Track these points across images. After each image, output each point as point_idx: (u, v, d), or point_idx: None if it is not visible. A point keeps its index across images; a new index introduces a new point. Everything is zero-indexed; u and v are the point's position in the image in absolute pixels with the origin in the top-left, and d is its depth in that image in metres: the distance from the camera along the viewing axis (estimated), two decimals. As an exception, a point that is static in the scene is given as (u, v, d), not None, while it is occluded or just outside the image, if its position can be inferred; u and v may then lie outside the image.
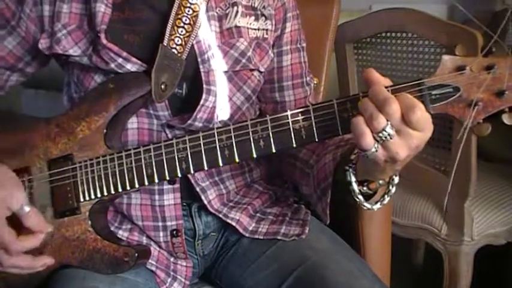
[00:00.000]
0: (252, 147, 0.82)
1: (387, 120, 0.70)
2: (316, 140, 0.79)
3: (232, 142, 0.82)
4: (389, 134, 0.70)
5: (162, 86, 0.89)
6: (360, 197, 0.81)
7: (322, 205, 0.94)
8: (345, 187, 0.82)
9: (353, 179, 0.81)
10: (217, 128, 0.83)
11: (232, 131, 0.82)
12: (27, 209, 0.85)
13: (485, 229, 1.54)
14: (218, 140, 0.83)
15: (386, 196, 0.81)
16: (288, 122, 0.79)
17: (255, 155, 0.82)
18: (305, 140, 0.79)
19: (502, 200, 1.59)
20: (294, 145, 0.80)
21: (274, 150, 0.81)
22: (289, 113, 0.80)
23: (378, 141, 0.71)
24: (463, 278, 1.56)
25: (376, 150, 0.72)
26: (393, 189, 0.79)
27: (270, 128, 0.80)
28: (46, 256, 0.89)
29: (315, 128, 0.78)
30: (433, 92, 0.73)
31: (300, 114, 0.79)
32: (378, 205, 0.82)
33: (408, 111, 0.69)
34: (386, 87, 0.73)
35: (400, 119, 0.70)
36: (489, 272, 1.87)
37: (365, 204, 0.82)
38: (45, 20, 0.96)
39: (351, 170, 0.81)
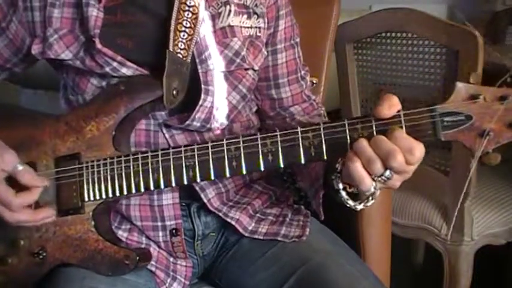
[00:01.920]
0: (260, 160, 0.82)
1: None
2: (325, 157, 0.79)
3: (240, 154, 0.82)
4: (388, 177, 0.74)
5: (174, 92, 0.90)
6: (350, 201, 0.82)
7: (316, 203, 0.95)
8: (334, 191, 0.83)
9: (340, 186, 0.82)
10: (226, 139, 0.83)
11: (241, 143, 0.82)
12: (20, 167, 0.87)
13: (485, 229, 1.54)
14: (227, 150, 0.83)
15: (370, 199, 0.81)
16: (298, 138, 0.80)
17: (262, 168, 0.82)
18: (314, 157, 0.80)
19: (502, 200, 1.59)
20: (303, 161, 0.80)
21: (282, 165, 0.81)
22: (299, 129, 0.80)
23: (375, 181, 0.74)
24: (463, 278, 1.56)
25: (375, 188, 0.75)
26: (378, 193, 0.79)
27: (279, 142, 0.81)
28: (45, 209, 0.90)
29: (324, 146, 0.79)
30: (445, 119, 0.74)
31: (310, 131, 0.79)
32: (362, 205, 0.82)
33: (407, 155, 0.72)
34: (398, 111, 0.75)
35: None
36: (489, 272, 1.87)
37: (351, 203, 0.83)
38: (36, 26, 0.96)
39: (337, 178, 0.82)
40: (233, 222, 0.99)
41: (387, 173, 0.73)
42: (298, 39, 1.10)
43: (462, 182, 1.45)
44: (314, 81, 1.17)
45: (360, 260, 0.99)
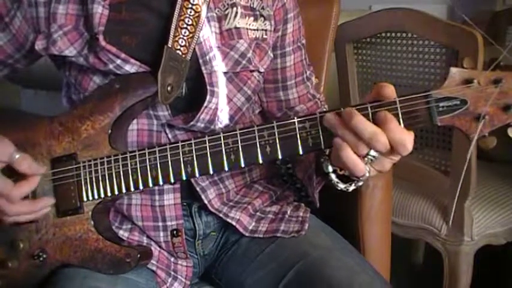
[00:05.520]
0: (258, 153, 0.82)
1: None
2: (323, 147, 0.79)
3: (238, 147, 0.82)
4: (374, 156, 0.75)
5: (169, 88, 0.89)
6: (341, 185, 0.83)
7: (311, 189, 0.96)
8: (325, 175, 0.85)
9: (330, 169, 0.83)
10: (223, 132, 0.83)
11: (238, 136, 0.82)
12: (16, 155, 0.87)
13: (485, 229, 1.54)
14: (224, 144, 0.83)
15: (361, 179, 0.82)
16: (295, 129, 0.80)
17: (260, 161, 0.82)
18: (312, 147, 0.80)
19: (502, 200, 1.59)
20: (301, 152, 0.80)
21: (280, 157, 0.81)
22: (296, 120, 0.80)
23: (366, 163, 0.76)
24: (463, 278, 1.56)
25: (369, 173, 0.77)
26: (367, 174, 0.80)
27: (276, 134, 0.81)
28: (43, 198, 0.90)
29: (321, 136, 0.79)
30: (440, 104, 0.74)
31: (307, 121, 0.79)
32: (353, 186, 0.84)
33: (399, 148, 0.74)
34: (394, 98, 0.75)
35: (388, 149, 0.74)
36: (489, 272, 1.87)
37: (341, 186, 0.84)
38: (41, 22, 0.96)
39: (326, 162, 0.82)
40: (233, 223, 0.99)
41: (372, 151, 0.75)
42: (304, 41, 1.10)
43: (462, 182, 1.45)
44: (315, 82, 1.17)
45: (359, 254, 0.99)
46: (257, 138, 0.81)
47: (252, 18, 0.99)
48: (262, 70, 1.02)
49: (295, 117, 0.80)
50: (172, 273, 0.98)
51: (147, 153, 0.87)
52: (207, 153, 0.84)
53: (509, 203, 1.60)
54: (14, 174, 0.87)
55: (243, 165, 0.83)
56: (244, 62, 0.97)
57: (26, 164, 0.87)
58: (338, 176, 0.83)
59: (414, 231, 1.65)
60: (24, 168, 0.87)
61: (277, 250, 0.97)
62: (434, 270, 1.71)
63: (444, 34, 1.38)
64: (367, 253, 1.20)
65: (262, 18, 1.01)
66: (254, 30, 1.00)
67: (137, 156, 0.87)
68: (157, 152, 0.86)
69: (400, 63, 1.59)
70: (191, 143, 0.84)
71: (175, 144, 0.85)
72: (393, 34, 1.59)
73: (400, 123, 0.74)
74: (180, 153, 0.85)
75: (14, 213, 0.87)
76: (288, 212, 1.03)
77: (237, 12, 0.97)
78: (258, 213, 1.03)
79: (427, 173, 1.58)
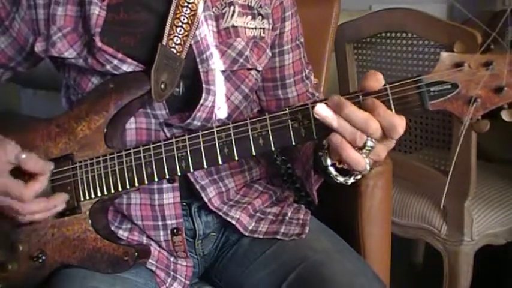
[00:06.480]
0: (251, 145, 0.82)
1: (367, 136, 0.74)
2: (315, 137, 0.79)
3: (231, 140, 0.83)
4: (371, 146, 0.75)
5: (162, 86, 0.90)
6: (340, 178, 0.83)
7: (309, 185, 0.96)
8: (323, 168, 0.84)
9: (329, 162, 0.82)
10: (216, 127, 0.84)
11: (231, 129, 0.83)
12: (23, 155, 0.87)
13: (485, 229, 1.54)
14: (217, 138, 0.83)
15: (361, 172, 0.81)
16: (287, 120, 0.80)
17: (254, 153, 0.82)
18: (304, 138, 0.80)
19: (502, 200, 1.59)
20: (293, 143, 0.80)
21: (273, 148, 0.81)
22: (288, 111, 0.80)
23: (363, 153, 0.75)
24: (463, 278, 1.56)
25: (369, 166, 0.76)
26: (367, 167, 0.79)
27: (269, 125, 0.81)
28: (58, 194, 0.90)
29: (313, 126, 0.79)
30: (432, 89, 0.74)
31: (299, 112, 0.79)
32: (352, 179, 0.83)
33: (390, 132, 0.73)
34: (384, 84, 0.75)
35: (382, 134, 0.74)
36: (489, 272, 1.88)
37: (340, 179, 0.83)
38: (40, 24, 0.96)
39: (324, 155, 0.82)
40: (233, 222, 0.99)
41: (368, 141, 0.74)
42: (302, 39, 1.11)
43: (462, 182, 1.45)
44: (314, 82, 1.18)
45: (359, 257, 0.99)
46: (250, 131, 0.82)
47: (249, 17, 0.99)
48: (260, 68, 1.02)
49: (287, 108, 0.80)
50: (172, 273, 0.98)
51: (141, 151, 0.87)
52: (200, 148, 0.84)
53: (509, 203, 1.60)
54: (23, 175, 0.88)
55: (236, 158, 0.83)
56: (241, 60, 0.97)
57: (32, 163, 0.88)
58: (337, 170, 0.83)
59: (414, 231, 1.65)
60: (31, 166, 0.87)
61: (278, 252, 0.97)
62: (434, 270, 1.71)
63: (444, 34, 1.38)
64: (367, 253, 1.20)
65: (260, 17, 1.01)
66: (252, 28, 1.00)
67: (132, 154, 0.88)
68: (151, 149, 0.87)
69: (400, 63, 1.60)
70: (185, 139, 0.85)
71: (170, 141, 0.86)
72: (393, 34, 1.60)
73: (392, 110, 0.74)
74: (174, 149, 0.85)
75: (28, 212, 0.87)
76: (289, 214, 1.03)
77: (234, 11, 0.98)
78: (258, 214, 1.03)
79: (427, 173, 1.59)
